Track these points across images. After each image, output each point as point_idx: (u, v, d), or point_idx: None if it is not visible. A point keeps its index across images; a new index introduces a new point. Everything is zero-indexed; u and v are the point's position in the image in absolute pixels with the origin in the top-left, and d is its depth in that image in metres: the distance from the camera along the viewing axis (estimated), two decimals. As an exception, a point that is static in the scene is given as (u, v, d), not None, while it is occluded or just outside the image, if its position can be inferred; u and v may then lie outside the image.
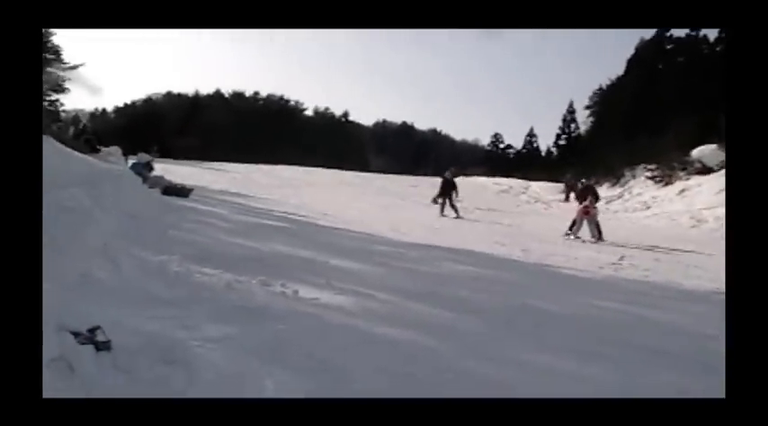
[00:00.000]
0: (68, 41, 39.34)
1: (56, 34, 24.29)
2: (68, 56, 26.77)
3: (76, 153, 10.94)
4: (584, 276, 7.64)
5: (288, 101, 69.55)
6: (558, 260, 8.80)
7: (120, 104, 65.77)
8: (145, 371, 2.87)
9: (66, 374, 2.67)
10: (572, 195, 22.93)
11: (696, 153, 23.12)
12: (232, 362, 3.18)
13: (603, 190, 17.65)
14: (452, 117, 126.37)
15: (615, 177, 27.08)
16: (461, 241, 10.18)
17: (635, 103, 33.14)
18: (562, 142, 48.62)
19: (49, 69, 23.14)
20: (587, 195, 12.71)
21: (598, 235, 11.94)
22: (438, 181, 17.03)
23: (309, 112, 71.11)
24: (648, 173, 24.99)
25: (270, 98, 69.18)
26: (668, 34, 35.77)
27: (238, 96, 68.27)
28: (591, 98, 44.15)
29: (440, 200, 16.01)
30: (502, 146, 58.21)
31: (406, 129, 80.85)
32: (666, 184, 23.44)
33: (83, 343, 2.87)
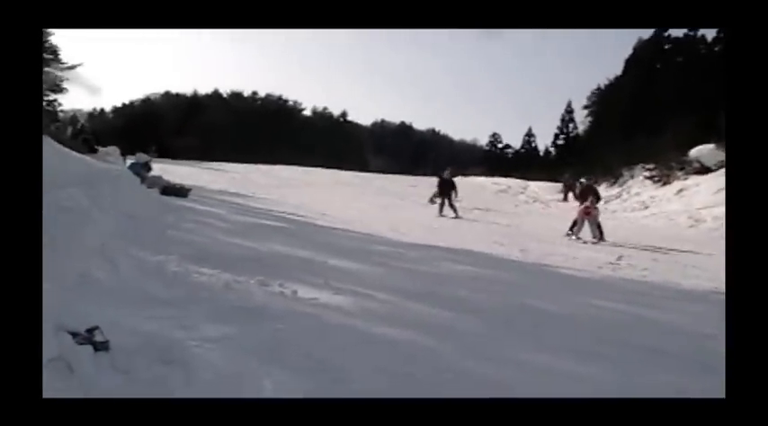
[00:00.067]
0: (67, 41, 39.32)
1: (54, 34, 24.23)
2: (67, 56, 26.72)
3: (74, 153, 10.93)
4: (583, 276, 7.64)
5: (286, 100, 69.58)
6: (557, 259, 8.80)
7: (119, 104, 65.79)
8: (143, 371, 2.87)
9: (64, 374, 2.67)
10: (570, 195, 23.01)
11: (694, 153, 23.14)
12: (230, 362, 3.18)
13: (602, 190, 17.62)
14: (451, 117, 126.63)
15: (613, 177, 27.09)
16: (460, 241, 10.19)
17: (633, 103, 33.17)
18: (560, 142, 48.66)
19: (47, 69, 23.09)
20: (588, 195, 12.66)
21: (599, 235, 11.92)
22: (435, 181, 17.03)
23: (308, 112, 71.16)
24: (646, 173, 25.00)
25: (268, 98, 69.15)
26: (666, 34, 35.82)
27: (237, 96, 68.22)
28: (589, 98, 44.23)
29: (437, 200, 15.99)
30: (500, 145, 58.27)
31: (404, 129, 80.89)
32: (664, 184, 23.46)
33: (81, 343, 2.87)
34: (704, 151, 22.57)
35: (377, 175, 33.20)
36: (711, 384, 2.93)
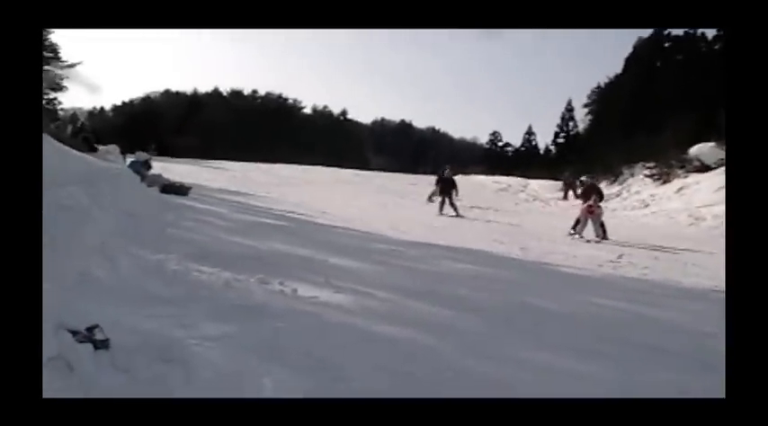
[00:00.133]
0: (67, 39, 39.33)
1: (54, 33, 24.24)
2: (66, 54, 26.73)
3: (74, 151, 10.92)
4: (583, 274, 7.64)
5: (286, 99, 69.52)
6: (557, 258, 8.80)
7: (119, 102, 65.72)
8: (143, 370, 2.87)
9: (64, 373, 2.67)
10: (570, 193, 23.02)
11: (694, 151, 23.13)
12: (230, 361, 3.18)
13: (602, 189, 17.60)
14: (451, 115, 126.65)
15: (614, 175, 27.09)
16: (460, 239, 10.18)
17: (633, 101, 33.16)
18: (561, 140, 48.66)
19: (47, 67, 23.08)
20: (591, 194, 12.60)
21: (602, 234, 11.87)
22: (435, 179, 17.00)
23: (308, 110, 71.10)
24: (647, 171, 24.99)
25: (268, 96, 69.09)
26: (666, 32, 35.79)
27: (237, 94, 68.16)
28: (589, 96, 44.23)
29: (435, 198, 15.95)
30: (500, 144, 58.27)
31: (404, 128, 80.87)
32: (665, 182, 23.45)
33: (81, 342, 2.87)
34: (704, 149, 22.57)
35: (377, 174, 33.20)
36: (712, 382, 2.93)
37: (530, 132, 55.18)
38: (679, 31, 35.49)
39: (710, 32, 33.27)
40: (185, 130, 55.95)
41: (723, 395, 2.02)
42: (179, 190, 12.75)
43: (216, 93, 67.87)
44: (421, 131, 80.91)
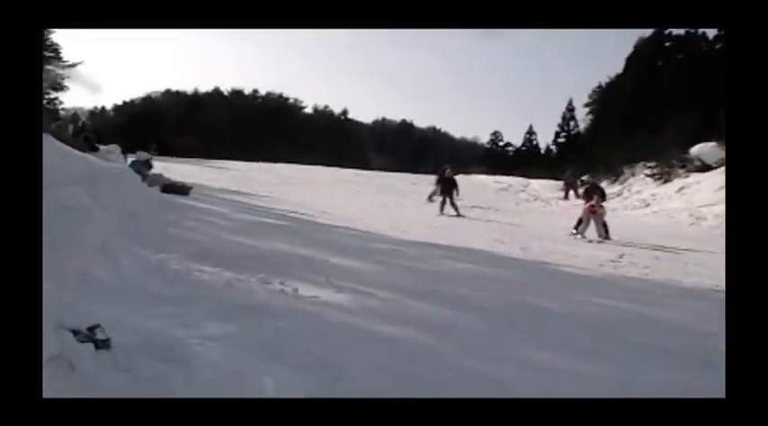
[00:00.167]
0: (68, 39, 39.36)
1: (55, 32, 24.24)
2: (67, 54, 26.77)
3: (75, 151, 10.93)
4: (584, 274, 7.64)
5: (287, 98, 69.43)
6: (558, 258, 8.79)
7: (120, 102, 65.70)
8: (144, 369, 2.87)
9: (65, 372, 2.67)
10: (571, 193, 23.02)
11: (695, 150, 23.12)
12: (231, 360, 3.18)
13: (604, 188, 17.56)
14: (452, 115, 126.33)
15: (614, 175, 27.08)
16: (461, 239, 10.18)
17: (634, 101, 33.12)
18: (561, 140, 48.62)
19: (48, 67, 23.08)
20: (594, 194, 12.57)
21: (605, 234, 11.84)
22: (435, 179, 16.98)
23: (309, 110, 71.04)
24: (648, 171, 24.99)
25: (269, 96, 69.05)
26: (667, 32, 35.74)
27: (237, 94, 68.15)
28: (590, 96, 44.14)
29: (435, 198, 15.93)
30: (501, 143, 58.26)
31: (405, 127, 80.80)
32: (666, 182, 23.45)
33: (82, 342, 2.88)
34: (705, 149, 22.56)
35: (378, 173, 33.19)
36: (713, 382, 2.92)
37: (531, 132, 55.22)
38: (680, 31, 35.47)
39: (711, 32, 33.24)
40: (186, 130, 55.94)
41: (724, 395, 2.02)
42: (180, 189, 12.76)
43: (217, 93, 67.85)
44: (422, 131, 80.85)
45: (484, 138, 64.83)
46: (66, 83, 26.63)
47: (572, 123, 48.29)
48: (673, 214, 18.64)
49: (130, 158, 15.56)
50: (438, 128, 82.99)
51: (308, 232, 9.21)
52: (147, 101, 65.66)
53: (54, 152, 7.81)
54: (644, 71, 34.63)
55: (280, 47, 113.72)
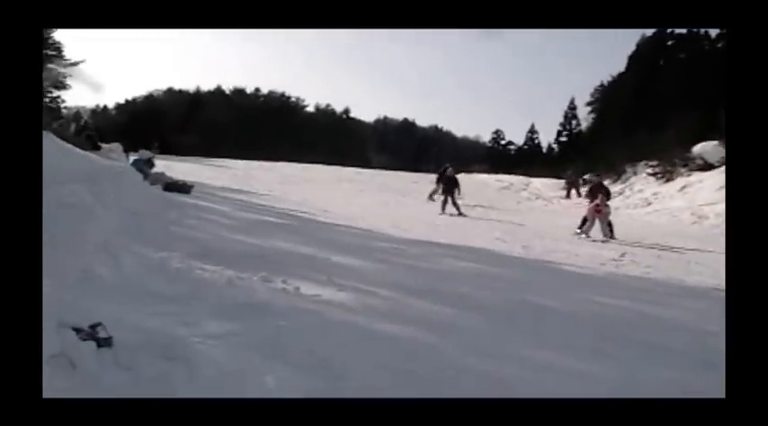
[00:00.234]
0: (70, 38, 39.39)
1: (57, 31, 24.26)
2: (70, 52, 26.80)
3: (78, 149, 10.95)
4: (586, 272, 7.63)
5: (289, 97, 69.39)
6: (560, 256, 8.78)
7: (122, 101, 65.74)
8: (146, 368, 2.87)
9: (67, 370, 2.68)
10: (573, 192, 23.00)
11: (697, 149, 23.07)
12: (233, 359, 3.19)
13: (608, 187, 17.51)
14: (454, 113, 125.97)
15: (616, 173, 27.01)
16: (462, 237, 10.18)
17: (636, 100, 33.06)
18: (563, 139, 48.54)
19: (50, 65, 23.10)
20: (598, 193, 12.52)
21: (610, 233, 11.79)
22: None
23: (311, 109, 71.00)
24: (650, 170, 24.92)
25: (271, 94, 69.02)
26: (669, 31, 35.65)
27: (239, 93, 68.12)
28: (592, 94, 44.02)
29: (436, 197, 15.89)
30: (503, 142, 58.20)
31: (407, 126, 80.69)
32: (668, 180, 23.39)
33: (84, 340, 2.88)
34: (707, 147, 22.50)
35: (379, 172, 33.14)
36: (715, 381, 2.91)
37: (532, 130, 55.13)
38: (682, 30, 35.37)
39: (714, 31, 33.12)
40: (188, 129, 55.91)
41: (724, 395, 2.02)
42: (182, 188, 12.76)
43: (218, 92, 67.83)
44: (423, 129, 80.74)
45: (486, 137, 64.90)
46: (68, 81, 26.67)
47: (574, 122, 48.22)
48: (675, 213, 18.60)
49: (132, 157, 15.58)
50: (440, 126, 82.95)
51: (310, 230, 9.22)
52: (149, 99, 65.64)
53: (55, 150, 7.83)
54: (646, 70, 34.56)
55: (282, 45, 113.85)
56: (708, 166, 21.98)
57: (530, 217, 16.20)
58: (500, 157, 51.45)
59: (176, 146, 39.13)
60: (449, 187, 15.64)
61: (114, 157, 14.67)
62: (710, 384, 3.17)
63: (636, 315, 5.29)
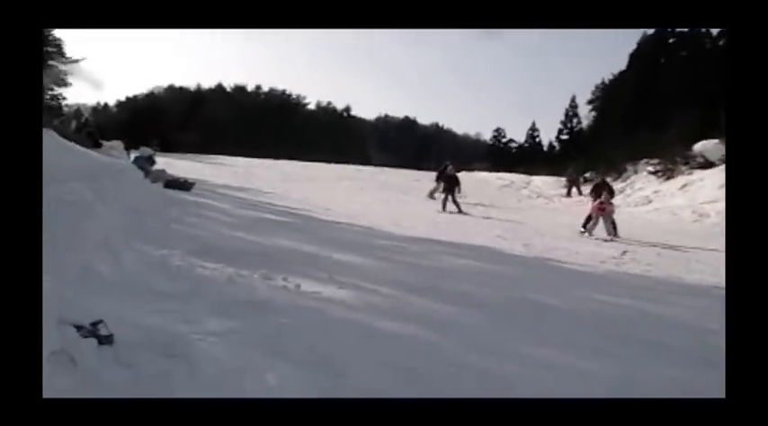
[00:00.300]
0: (70, 36, 39.34)
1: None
2: (70, 50, 26.73)
3: (78, 147, 10.95)
4: (586, 270, 7.63)
5: (290, 95, 69.35)
6: (560, 254, 8.78)
7: (122, 98, 65.64)
8: (146, 365, 2.88)
9: (68, 367, 2.68)
10: (573, 190, 22.99)
11: (698, 147, 23.04)
12: (234, 356, 3.19)
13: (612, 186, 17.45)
14: (455, 111, 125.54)
15: (617, 172, 26.95)
16: (463, 235, 10.18)
17: (637, 98, 33.00)
18: (564, 137, 48.43)
19: (51, 63, 23.11)
20: (602, 191, 12.48)
21: (614, 231, 11.76)
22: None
23: (312, 107, 70.94)
24: (650, 168, 24.89)
25: (272, 92, 68.98)
26: (670, 29, 35.58)
27: (240, 90, 68.08)
28: (593, 92, 43.90)
29: (437, 195, 15.88)
30: (504, 140, 58.11)
31: (408, 124, 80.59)
32: (668, 179, 23.36)
33: (85, 337, 2.89)
34: (708, 146, 22.48)
35: (380, 169, 33.12)
36: (715, 379, 2.91)
37: (533, 129, 55.05)
38: (683, 28, 35.32)
39: (715, 29, 33.08)
40: (189, 126, 55.89)
41: (724, 394, 2.02)
42: (183, 185, 12.77)
43: (219, 89, 67.77)
44: (424, 127, 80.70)
45: (487, 135, 64.90)
46: (69, 79, 26.65)
47: (575, 120, 48.10)
48: (675, 211, 18.59)
49: (133, 154, 15.56)
50: (441, 124, 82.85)
51: (311, 228, 9.22)
52: (150, 97, 65.56)
53: (56, 147, 7.82)
54: (647, 68, 34.49)
55: (283, 44, 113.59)
56: (709, 164, 21.95)
57: (530, 216, 16.19)
58: (501, 155, 51.40)
59: (177, 143, 39.16)
60: (449, 185, 15.63)
61: (115, 155, 14.65)
62: (711, 382, 3.17)
63: (636, 313, 5.30)
